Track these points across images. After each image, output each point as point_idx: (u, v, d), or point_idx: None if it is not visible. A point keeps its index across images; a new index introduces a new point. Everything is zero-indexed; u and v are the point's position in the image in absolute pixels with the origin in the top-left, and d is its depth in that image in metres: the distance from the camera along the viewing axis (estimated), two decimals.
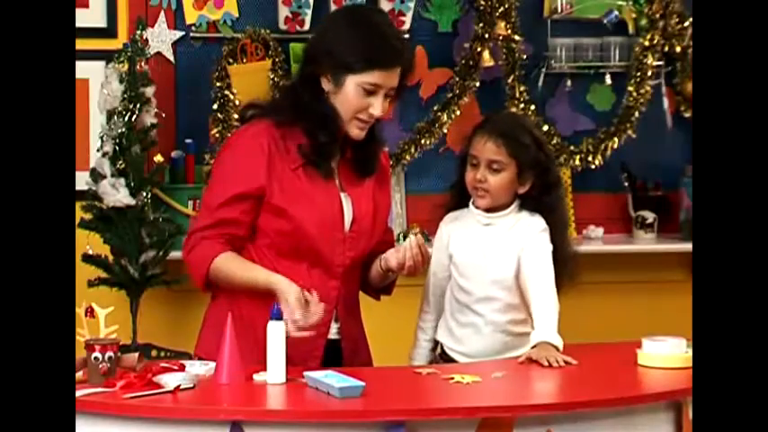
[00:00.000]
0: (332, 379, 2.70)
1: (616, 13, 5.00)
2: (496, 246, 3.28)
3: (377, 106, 3.05)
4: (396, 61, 3.05)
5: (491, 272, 3.26)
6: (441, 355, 3.37)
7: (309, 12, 4.82)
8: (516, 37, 4.97)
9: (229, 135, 3.19)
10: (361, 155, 3.16)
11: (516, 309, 3.27)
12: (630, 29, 5.08)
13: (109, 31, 4.77)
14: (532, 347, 3.08)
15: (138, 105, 4.44)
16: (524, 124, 3.38)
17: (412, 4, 4.87)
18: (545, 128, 4.98)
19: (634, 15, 5.06)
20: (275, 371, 2.78)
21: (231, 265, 3.04)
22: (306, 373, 2.77)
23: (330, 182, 3.10)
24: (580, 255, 3.46)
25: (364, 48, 3.02)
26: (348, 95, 3.03)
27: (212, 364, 2.84)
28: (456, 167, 3.40)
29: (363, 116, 3.06)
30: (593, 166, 5.08)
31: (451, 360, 3.30)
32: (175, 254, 4.53)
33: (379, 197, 3.22)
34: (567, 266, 3.30)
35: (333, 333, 3.16)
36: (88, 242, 4.43)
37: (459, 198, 3.37)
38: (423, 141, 4.92)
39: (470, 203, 3.34)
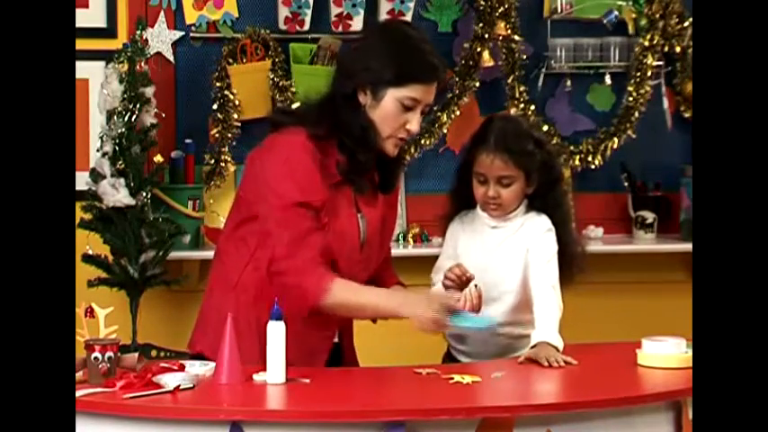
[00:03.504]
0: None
1: (616, 13, 5.00)
2: (503, 248, 3.29)
3: (414, 122, 3.06)
4: (435, 76, 3.07)
5: (498, 274, 3.25)
6: (447, 356, 3.37)
7: (309, 12, 4.82)
8: (516, 37, 4.97)
9: (264, 143, 3.09)
10: (385, 172, 3.16)
11: (521, 310, 3.27)
12: (630, 29, 5.08)
13: (109, 31, 4.78)
14: (532, 347, 3.08)
15: (137, 105, 4.44)
16: (524, 130, 3.34)
17: (412, 5, 4.87)
18: (545, 128, 4.98)
19: (634, 15, 5.06)
20: (275, 371, 2.78)
21: (347, 295, 3.02)
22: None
23: (350, 201, 3.10)
24: None
25: (407, 61, 3.03)
26: (386, 109, 3.03)
27: (212, 364, 2.84)
28: (454, 174, 3.39)
29: (401, 134, 3.07)
30: (593, 167, 5.08)
31: (456, 361, 3.30)
32: (175, 254, 4.55)
33: (388, 218, 3.24)
34: (576, 260, 3.31)
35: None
36: (88, 242, 4.43)
37: (460, 205, 3.37)
38: (422, 141, 4.92)
39: (477, 207, 3.33)
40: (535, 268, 3.22)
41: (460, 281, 3.17)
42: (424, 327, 3.00)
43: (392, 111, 3.04)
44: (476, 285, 3.13)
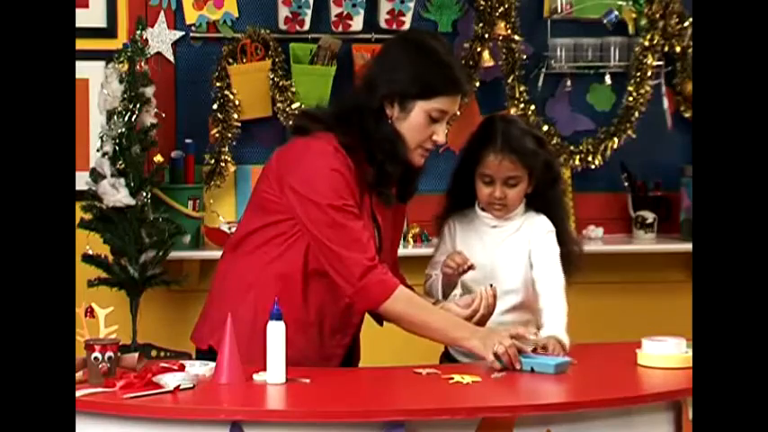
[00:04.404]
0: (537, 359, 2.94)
1: (616, 13, 5.00)
2: (505, 247, 3.28)
3: (440, 133, 3.09)
4: (463, 87, 3.11)
5: (499, 273, 3.25)
6: (445, 356, 3.37)
7: (309, 12, 4.82)
8: (516, 37, 4.97)
9: (295, 148, 3.10)
10: (404, 182, 3.17)
11: (521, 310, 3.27)
12: (630, 29, 5.08)
13: (109, 31, 4.78)
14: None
15: (138, 105, 4.43)
16: (527, 129, 3.34)
17: (412, 5, 4.87)
18: (545, 128, 4.99)
19: (634, 15, 5.06)
20: (275, 371, 2.78)
21: (413, 307, 3.04)
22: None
23: (368, 210, 3.11)
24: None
25: (435, 76, 3.06)
26: (414, 122, 3.06)
27: (212, 364, 2.84)
28: (453, 173, 3.38)
29: (428, 145, 3.10)
30: (593, 166, 5.08)
31: (455, 361, 3.30)
32: (175, 254, 4.54)
33: (397, 225, 3.26)
34: (573, 260, 3.31)
35: None
36: (88, 242, 4.43)
37: (457, 205, 3.36)
38: None
39: (476, 206, 3.33)
40: (544, 271, 3.23)
41: (461, 269, 3.19)
42: (493, 357, 2.98)
43: (420, 123, 3.07)
44: (491, 285, 3.13)
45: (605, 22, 5.00)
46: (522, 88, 5.00)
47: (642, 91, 5.03)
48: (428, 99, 3.05)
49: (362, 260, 2.99)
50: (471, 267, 3.18)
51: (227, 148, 4.81)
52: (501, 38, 4.95)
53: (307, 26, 4.85)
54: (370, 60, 3.26)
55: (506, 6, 4.92)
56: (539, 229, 3.29)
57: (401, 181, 3.16)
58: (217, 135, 4.81)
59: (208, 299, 3.22)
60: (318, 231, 3.01)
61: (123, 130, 4.40)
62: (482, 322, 3.11)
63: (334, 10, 4.84)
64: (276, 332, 2.78)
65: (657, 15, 5.02)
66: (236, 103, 4.79)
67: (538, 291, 3.22)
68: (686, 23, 5.06)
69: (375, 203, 3.13)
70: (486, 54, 4.94)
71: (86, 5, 4.74)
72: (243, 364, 2.80)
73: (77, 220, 4.37)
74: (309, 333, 3.02)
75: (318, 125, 3.11)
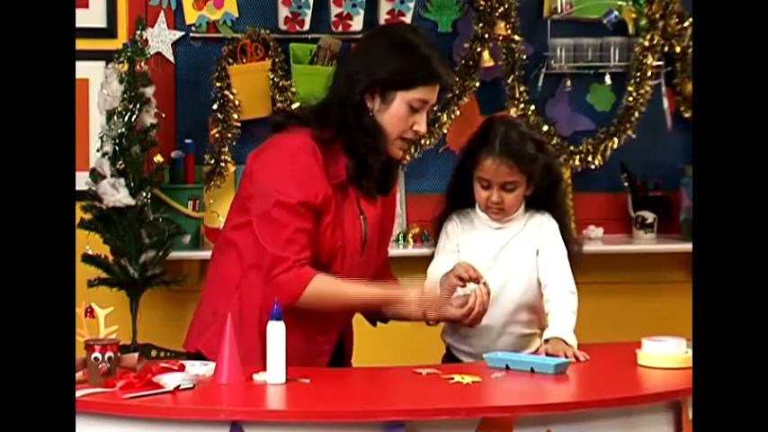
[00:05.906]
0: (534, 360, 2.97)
1: (616, 13, 5.00)
2: (509, 248, 3.28)
3: (422, 123, 3.11)
4: (442, 77, 3.12)
5: (503, 274, 3.24)
6: (447, 357, 3.37)
7: (309, 12, 4.82)
8: (516, 37, 4.97)
9: (266, 144, 3.12)
10: (384, 174, 3.17)
11: (525, 309, 3.27)
12: (630, 29, 5.08)
13: (109, 32, 4.78)
14: (545, 341, 3.11)
15: (137, 105, 4.43)
16: (527, 133, 3.30)
17: (412, 5, 4.87)
18: (545, 128, 4.98)
19: (634, 15, 5.05)
20: (275, 371, 2.78)
21: (330, 286, 3.04)
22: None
23: (352, 202, 3.11)
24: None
25: (415, 66, 3.07)
26: (395, 112, 3.07)
27: (212, 365, 2.84)
28: (452, 174, 3.37)
29: (409, 135, 3.11)
30: (592, 167, 5.08)
31: (458, 361, 3.30)
32: (175, 254, 4.54)
33: (386, 217, 3.25)
34: (574, 259, 3.30)
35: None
36: (88, 242, 4.43)
37: (456, 206, 3.35)
38: (422, 141, 4.91)
39: (477, 207, 3.32)
40: (553, 274, 3.22)
41: (474, 283, 3.15)
42: (420, 309, 3.06)
43: (401, 113, 3.07)
44: (485, 283, 3.12)
45: (605, 22, 5.00)
46: (522, 88, 4.99)
47: (642, 91, 5.03)
48: (408, 89, 3.06)
49: (285, 257, 2.98)
50: (483, 283, 3.13)
51: (226, 148, 4.81)
52: (501, 38, 4.95)
53: (307, 26, 4.85)
54: (347, 55, 3.27)
55: (506, 6, 4.92)
56: (547, 230, 3.28)
57: (380, 173, 3.16)
58: (217, 135, 4.81)
59: (200, 299, 3.23)
60: (258, 224, 3.03)
61: (123, 130, 4.40)
62: (477, 320, 3.11)
63: (334, 10, 4.84)
64: (276, 332, 2.78)
65: (657, 15, 5.02)
66: (236, 103, 4.79)
67: (545, 292, 3.22)
68: (686, 23, 5.05)
69: (361, 196, 3.13)
70: (486, 54, 4.94)
71: (86, 5, 4.74)
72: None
73: (77, 220, 4.37)
74: (295, 330, 2.99)
75: (293, 121, 3.13)
